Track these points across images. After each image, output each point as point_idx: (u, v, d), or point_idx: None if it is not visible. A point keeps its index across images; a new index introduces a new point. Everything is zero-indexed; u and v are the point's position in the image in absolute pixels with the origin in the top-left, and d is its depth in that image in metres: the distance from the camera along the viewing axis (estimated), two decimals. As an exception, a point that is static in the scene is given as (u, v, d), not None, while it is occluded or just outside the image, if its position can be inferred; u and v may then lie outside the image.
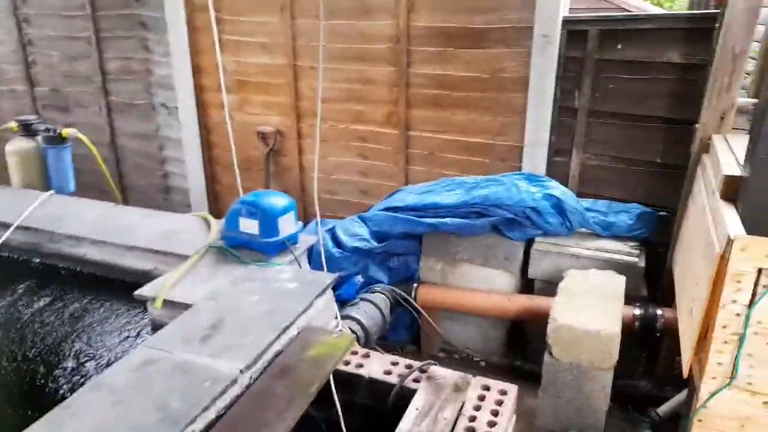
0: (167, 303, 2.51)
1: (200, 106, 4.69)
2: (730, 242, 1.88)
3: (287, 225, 2.82)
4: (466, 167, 3.99)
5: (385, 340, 3.89)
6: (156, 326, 2.54)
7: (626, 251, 3.37)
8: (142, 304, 2.66)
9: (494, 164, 3.90)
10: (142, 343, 2.22)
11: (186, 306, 2.44)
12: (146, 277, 3.01)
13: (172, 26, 4.46)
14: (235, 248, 2.86)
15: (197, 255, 2.82)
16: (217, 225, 3.14)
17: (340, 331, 2.61)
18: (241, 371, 1.98)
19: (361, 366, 2.21)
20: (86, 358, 2.66)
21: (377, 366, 2.19)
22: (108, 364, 2.55)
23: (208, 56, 4.46)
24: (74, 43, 5.00)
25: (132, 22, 4.70)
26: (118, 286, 3.10)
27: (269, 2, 4.16)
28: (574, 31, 3.44)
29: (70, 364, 2.68)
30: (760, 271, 1.85)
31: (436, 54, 3.80)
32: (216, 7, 4.26)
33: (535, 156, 3.72)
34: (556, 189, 3.48)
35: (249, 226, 2.79)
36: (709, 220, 2.31)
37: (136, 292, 2.60)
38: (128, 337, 2.83)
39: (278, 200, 2.82)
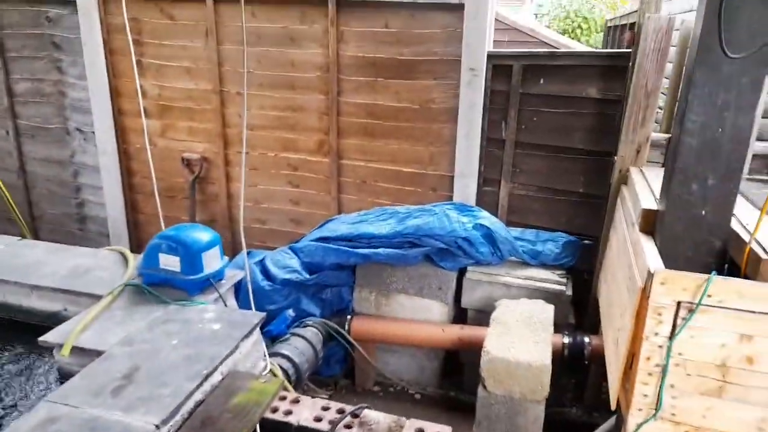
0: (76, 350, 2.30)
1: (120, 131, 4.44)
2: (650, 276, 1.94)
3: (211, 261, 2.68)
4: (399, 196, 3.98)
5: (318, 375, 3.77)
6: (64, 376, 2.32)
7: (554, 279, 3.46)
8: (49, 350, 2.42)
9: (426, 193, 3.92)
10: (46, 397, 2.01)
11: (97, 353, 2.24)
12: (54, 319, 2.76)
13: (87, 47, 4.21)
14: (154, 286, 2.67)
15: (111, 295, 2.61)
16: (135, 261, 2.93)
17: (268, 374, 2.49)
18: (157, 426, 1.82)
19: (290, 413, 2.09)
20: (-21, 416, 2.37)
21: (307, 412, 2.09)
22: (3, 425, 2.29)
23: (128, 80, 4.25)
24: (-23, 62, 4.64)
25: (43, 42, 4.41)
26: (22, 330, 2.82)
27: (193, 27, 4.03)
28: (499, 66, 3.54)
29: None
30: (679, 304, 1.92)
31: (365, 83, 3.80)
32: (135, 30, 4.10)
33: (466, 185, 3.77)
34: (486, 219, 3.52)
35: (170, 262, 2.62)
36: (630, 252, 2.39)
37: (41, 338, 2.37)
38: (32, 389, 2.56)
39: (201, 235, 2.67)
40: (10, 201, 4.24)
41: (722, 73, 1.98)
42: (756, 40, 1.90)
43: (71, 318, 2.52)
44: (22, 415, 1.88)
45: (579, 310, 3.59)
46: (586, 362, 3.13)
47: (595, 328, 3.27)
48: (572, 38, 12.68)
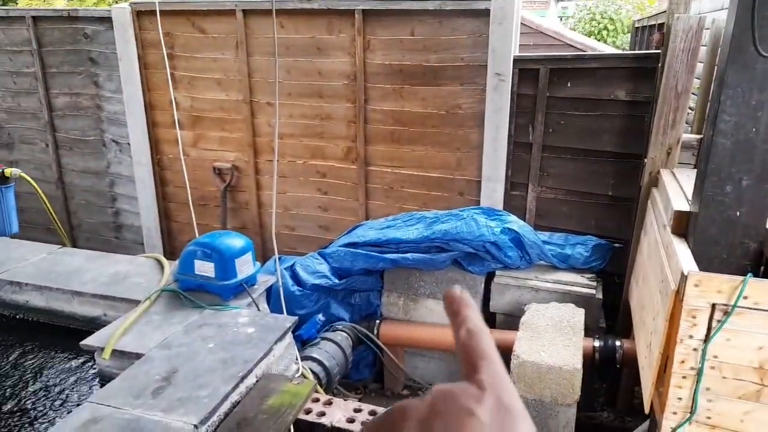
0: (116, 353, 2.38)
1: (153, 142, 4.58)
2: (684, 278, 1.92)
3: (245, 266, 2.74)
4: (426, 201, 4.00)
5: (347, 379, 3.80)
6: (104, 378, 2.40)
7: (584, 283, 3.43)
8: (90, 354, 2.51)
9: (453, 198, 3.93)
10: (88, 398, 2.09)
11: (137, 356, 2.32)
12: (94, 324, 2.86)
13: (123, 62, 4.36)
14: (189, 292, 2.75)
15: (149, 300, 2.69)
16: (170, 267, 3.02)
17: (300, 376, 2.53)
18: (196, 426, 1.87)
19: (323, 414, 2.13)
20: (26, 417, 2.47)
21: (340, 414, 2.12)
22: (51, 423, 2.38)
23: (161, 92, 4.39)
24: (19, 79, 4.83)
25: (81, 58, 4.58)
26: (64, 335, 2.93)
27: (224, 40, 4.13)
28: (525, 70, 3.54)
29: (10, 420, 2.49)
30: (713, 306, 1.90)
31: (392, 91, 3.84)
32: (168, 44, 4.22)
33: (493, 190, 3.77)
34: (514, 223, 3.52)
35: (204, 268, 2.69)
36: (662, 254, 2.36)
37: (83, 342, 2.45)
38: (74, 390, 2.65)
39: (235, 241, 2.74)
40: (51, 211, 4.40)
41: (756, 72, 1.97)
42: (789, 38, 1.88)
43: (111, 323, 2.61)
44: (67, 416, 1.96)
45: (610, 314, 3.55)
46: (618, 366, 3.09)
47: (626, 331, 3.23)
48: (599, 40, 12.55)
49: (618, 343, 3.11)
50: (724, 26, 2.16)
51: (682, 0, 3.03)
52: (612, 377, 3.44)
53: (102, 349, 2.38)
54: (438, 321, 3.71)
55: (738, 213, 2.10)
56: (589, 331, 3.17)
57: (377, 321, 3.70)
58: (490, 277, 3.62)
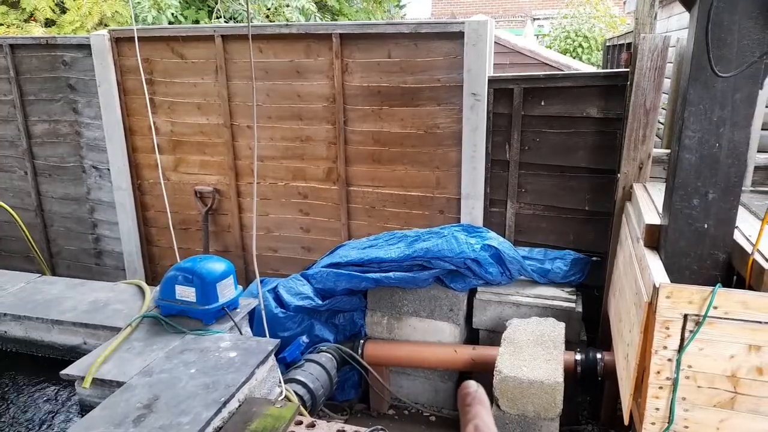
0: (97, 381, 2.35)
1: (134, 167, 4.57)
2: (656, 290, 1.97)
3: (226, 290, 2.74)
4: (407, 220, 4.04)
5: (333, 400, 3.79)
6: (85, 407, 2.37)
7: (564, 297, 3.48)
8: (71, 383, 2.48)
9: (434, 216, 3.98)
10: (68, 428, 2.06)
11: (118, 384, 2.30)
12: (74, 353, 2.84)
13: (102, 88, 4.37)
14: (171, 317, 2.74)
15: (130, 327, 2.68)
16: (151, 293, 3.01)
17: (284, 399, 2.52)
18: (178, 454, 1.86)
19: (306, 437, 2.12)
20: (4, 450, 2.43)
21: (323, 436, 2.12)
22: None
23: (141, 117, 4.40)
24: (-4, 106, 4.82)
25: (59, 85, 4.58)
26: (44, 364, 2.89)
27: (203, 65, 4.17)
28: (500, 89, 3.63)
29: (-14, 456, 2.45)
30: (685, 317, 1.95)
31: (371, 112, 3.90)
32: (147, 70, 4.25)
33: (472, 207, 3.82)
34: (494, 239, 3.57)
35: (186, 293, 2.69)
36: (636, 267, 2.42)
37: (63, 372, 2.42)
38: (54, 421, 2.62)
39: (216, 265, 2.74)
40: (30, 239, 4.36)
41: (716, 90, 2.05)
42: (746, 57, 1.97)
43: (91, 351, 2.58)
44: (47, 447, 1.93)
45: (590, 327, 3.60)
46: (600, 378, 3.13)
47: (607, 344, 3.27)
48: (574, 57, 12.83)
49: (599, 355, 3.15)
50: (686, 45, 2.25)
51: (648, 21, 3.14)
52: (594, 390, 3.48)
53: (82, 378, 2.36)
54: (422, 339, 3.73)
55: (705, 225, 2.16)
56: (570, 345, 3.22)
57: (361, 341, 3.71)
58: (472, 293, 3.66)
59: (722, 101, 2.04)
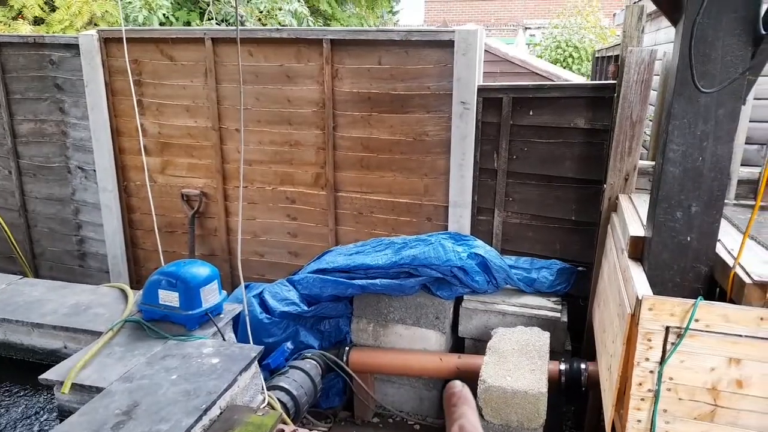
0: (76, 387, 2.32)
1: (120, 168, 4.53)
2: (638, 302, 1.98)
3: (210, 295, 2.72)
4: (395, 227, 4.04)
5: (317, 408, 3.77)
6: (64, 413, 2.34)
7: (549, 306, 3.49)
8: (50, 388, 2.45)
9: (421, 223, 3.98)
10: (45, 435, 2.03)
11: (97, 390, 2.27)
12: (54, 357, 2.80)
13: (90, 89, 4.33)
14: (154, 322, 2.71)
15: (111, 331, 2.64)
16: (134, 297, 2.97)
17: (267, 406, 2.50)
18: (156, 462, 1.84)
19: (288, 445, 2.11)
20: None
21: (305, 444, 2.10)
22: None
23: (129, 119, 4.36)
24: (-19, 104, 4.76)
25: (46, 85, 4.53)
26: (24, 368, 2.85)
27: (192, 67, 4.15)
28: (489, 98, 3.64)
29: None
30: (667, 329, 1.96)
31: (360, 118, 3.90)
32: (136, 71, 4.22)
33: (460, 215, 3.83)
34: (481, 248, 3.58)
35: (169, 298, 2.66)
36: (620, 278, 2.44)
37: (41, 376, 2.39)
38: (33, 426, 2.57)
39: (200, 270, 2.72)
40: (12, 239, 4.30)
41: (700, 105, 2.07)
42: (729, 73, 1.99)
43: (71, 355, 2.55)
44: (23, 454, 1.90)
45: (576, 337, 3.62)
46: (584, 389, 3.14)
47: (592, 354, 3.28)
48: (564, 67, 12.94)
49: (583, 365, 3.16)
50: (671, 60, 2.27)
51: (635, 34, 3.17)
52: (579, 400, 3.49)
53: (61, 383, 2.33)
54: (408, 346, 3.72)
55: (688, 238, 2.18)
56: (555, 355, 3.23)
57: (346, 348, 3.69)
58: (458, 301, 3.66)
59: (706, 116, 2.06)
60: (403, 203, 4.00)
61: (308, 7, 9.11)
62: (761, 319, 1.87)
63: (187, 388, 2.22)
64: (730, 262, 2.09)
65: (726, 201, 3.06)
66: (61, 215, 4.85)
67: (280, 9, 8.04)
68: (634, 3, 4.03)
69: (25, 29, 6.89)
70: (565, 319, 3.44)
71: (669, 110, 2.13)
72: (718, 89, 1.94)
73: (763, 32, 1.87)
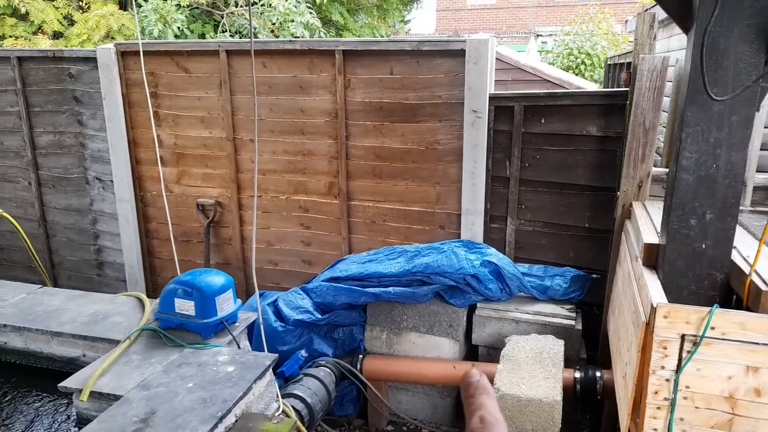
0: (95, 394, 2.36)
1: (137, 179, 4.61)
2: (653, 310, 1.97)
3: (225, 304, 2.75)
4: (408, 235, 4.06)
5: (331, 415, 3.78)
6: (82, 421, 2.37)
7: (563, 314, 3.47)
8: (69, 396, 2.49)
9: (434, 231, 3.99)
10: (65, 442, 2.07)
11: (115, 397, 2.30)
12: (73, 365, 2.85)
13: (107, 101, 4.42)
14: (170, 330, 2.75)
15: (129, 340, 2.68)
16: (151, 305, 3.02)
17: (282, 414, 2.52)
18: (174, 469, 1.86)
19: (302, 453, 2.12)
20: (0, 462, 2.43)
21: (320, 452, 2.12)
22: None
23: (145, 130, 4.44)
24: (3, 117, 4.87)
25: (65, 97, 4.63)
26: (43, 376, 2.90)
27: (207, 79, 4.22)
28: (501, 107, 3.66)
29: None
30: (683, 337, 1.95)
31: (373, 128, 3.93)
32: (152, 84, 4.30)
33: (472, 223, 3.83)
34: (494, 255, 3.57)
35: (185, 307, 2.70)
36: (634, 286, 2.42)
37: (61, 384, 2.43)
38: (50, 433, 2.61)
39: (215, 279, 2.76)
40: (32, 249, 4.38)
41: (713, 112, 2.06)
42: (743, 80, 1.99)
43: (90, 363, 2.59)
44: (43, 460, 1.93)
45: (590, 345, 3.59)
46: (599, 397, 3.11)
47: (607, 362, 3.26)
48: (576, 74, 12.90)
49: (598, 374, 3.14)
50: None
51: (647, 41, 3.17)
52: (594, 408, 3.46)
53: (80, 391, 2.36)
54: (421, 354, 3.72)
55: (703, 245, 2.17)
56: (569, 363, 3.21)
57: (360, 356, 3.70)
58: (471, 309, 3.66)
59: (719, 123, 2.06)
60: (416, 211, 4.01)
61: (320, 18, 9.21)
62: (778, 326, 1.86)
63: (203, 395, 2.24)
64: (746, 269, 2.08)
65: (741, 208, 3.04)
66: (79, 225, 4.94)
67: (293, 21, 8.13)
68: (646, 10, 4.03)
69: (44, 44, 7.06)
70: (579, 326, 3.43)
71: (682, 118, 2.13)
72: (731, 97, 1.94)
73: (776, 39, 1.87)
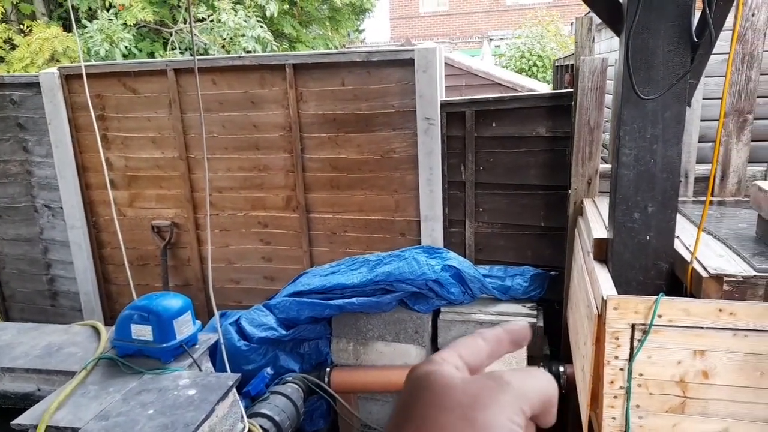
0: (51, 429, 2.28)
1: (88, 204, 4.48)
2: (604, 303, 2.04)
3: (184, 327, 2.70)
4: (369, 244, 4.07)
5: (301, 431, 3.74)
6: (39, 458, 2.28)
7: (525, 312, 3.54)
8: (23, 433, 2.39)
9: (395, 239, 4.02)
10: (20, 482, 1.99)
11: (73, 430, 2.23)
12: (28, 400, 2.74)
13: (53, 126, 4.30)
14: (128, 357, 2.68)
15: (85, 370, 2.60)
16: (107, 333, 2.94)
17: (247, 434, 2.49)
18: (136, 500, 1.81)
19: (269, 472, 2.09)
20: None
21: (287, 470, 2.10)
22: None
23: (94, 154, 4.33)
24: (-58, 148, 4.68)
25: (8, 124, 4.48)
26: (-5, 415, 2.78)
27: (156, 98, 4.15)
28: (452, 113, 3.72)
29: None
30: (633, 326, 2.01)
31: (327, 139, 3.94)
32: (99, 106, 4.21)
33: (432, 228, 3.88)
34: (454, 259, 3.62)
35: (142, 332, 2.64)
36: (587, 280, 2.50)
37: (15, 422, 2.34)
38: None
39: (172, 302, 2.71)
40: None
41: (647, 110, 2.16)
42: (672, 78, 2.08)
43: (45, 397, 2.50)
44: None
45: (553, 341, 3.67)
46: (564, 392, 3.18)
47: (569, 357, 3.33)
48: (529, 76, 13.23)
49: (562, 368, 3.21)
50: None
51: (587, 44, 3.29)
52: (559, 403, 3.52)
53: (35, 427, 2.28)
54: (389, 363, 3.72)
55: (647, 237, 2.25)
56: (533, 360, 3.27)
57: (328, 369, 3.69)
58: (436, 314, 3.69)
59: (653, 120, 2.15)
60: (376, 220, 4.03)
61: (272, 31, 9.18)
62: (720, 310, 1.94)
63: (165, 421, 2.20)
64: (687, 257, 2.17)
65: (684, 198, 3.18)
66: (29, 255, 4.77)
67: (243, 35, 8.09)
68: (586, 15, 4.18)
69: (-16, 70, 6.81)
70: (541, 323, 3.50)
71: (619, 116, 2.22)
72: (659, 95, 2.03)
73: (696, 40, 1.97)
